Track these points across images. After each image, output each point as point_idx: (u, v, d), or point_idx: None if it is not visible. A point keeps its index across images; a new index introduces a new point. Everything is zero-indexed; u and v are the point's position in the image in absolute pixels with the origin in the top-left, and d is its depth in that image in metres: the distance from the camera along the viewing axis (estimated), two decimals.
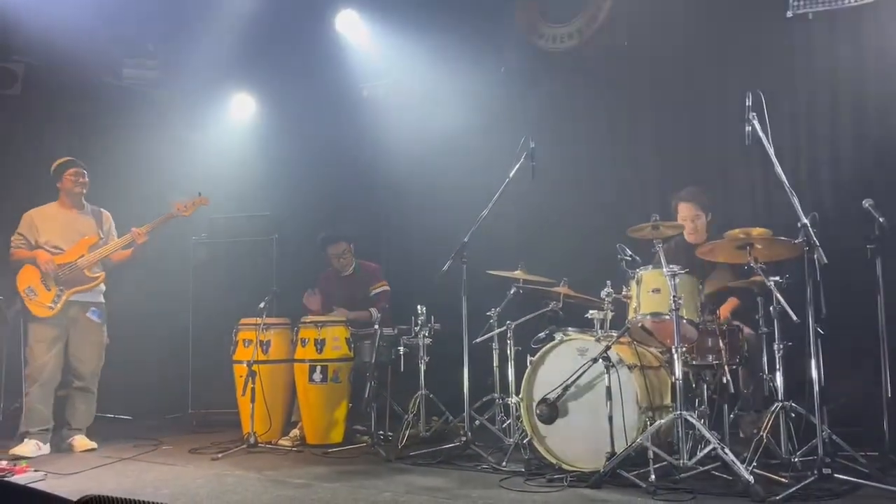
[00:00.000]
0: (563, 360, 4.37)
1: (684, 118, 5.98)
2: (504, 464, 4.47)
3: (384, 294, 6.21)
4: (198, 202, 5.80)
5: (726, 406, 4.34)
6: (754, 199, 5.69)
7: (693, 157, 5.97)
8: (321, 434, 5.54)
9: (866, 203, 4.37)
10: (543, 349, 4.51)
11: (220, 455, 5.05)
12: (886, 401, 4.31)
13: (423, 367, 5.28)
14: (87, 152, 6.06)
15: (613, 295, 4.48)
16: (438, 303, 5.36)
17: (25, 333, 5.50)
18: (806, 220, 3.77)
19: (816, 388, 3.75)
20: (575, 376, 4.18)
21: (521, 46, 6.73)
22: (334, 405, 5.57)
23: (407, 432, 5.23)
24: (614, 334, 4.29)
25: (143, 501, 1.75)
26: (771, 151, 3.97)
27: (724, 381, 4.26)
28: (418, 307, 5.32)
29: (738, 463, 3.65)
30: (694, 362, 4.28)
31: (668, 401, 4.32)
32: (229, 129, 8.04)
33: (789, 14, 5.52)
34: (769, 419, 4.04)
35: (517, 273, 5.19)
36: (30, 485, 3.78)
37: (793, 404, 4.06)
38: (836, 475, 3.58)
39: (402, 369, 5.41)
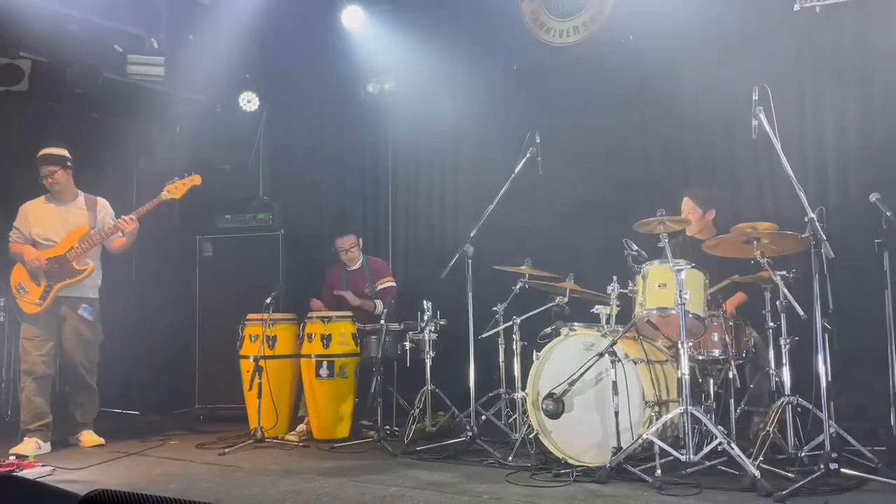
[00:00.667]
0: (570, 355, 4.38)
1: (691, 112, 5.95)
2: (510, 459, 4.48)
3: (390, 289, 6.22)
4: (188, 182, 5.46)
5: (732, 401, 4.35)
6: (761, 194, 5.66)
7: (700, 151, 5.96)
8: (328, 429, 5.56)
9: (873, 197, 4.35)
10: (549, 344, 4.52)
11: (227, 450, 5.07)
12: (893, 396, 4.30)
13: (429, 363, 5.27)
14: (94, 148, 6.06)
15: (619, 290, 4.47)
16: (444, 298, 5.36)
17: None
18: (813, 215, 3.76)
19: (823, 383, 3.74)
20: (581, 371, 4.18)
21: (526, 41, 6.71)
22: (341, 400, 5.58)
23: (413, 427, 5.23)
24: (620, 329, 4.29)
25: (151, 496, 1.75)
26: (778, 145, 3.96)
27: (731, 375, 4.27)
28: (424, 303, 5.32)
29: (744, 457, 3.65)
30: (700, 357, 4.28)
31: (674, 395, 4.32)
32: (235, 124, 8.03)
33: (797, 7, 5.49)
34: (775, 414, 4.03)
35: (523, 268, 5.19)
36: (38, 479, 3.80)
37: (799, 399, 4.05)
38: (842, 470, 3.58)
39: (408, 364, 5.41)
